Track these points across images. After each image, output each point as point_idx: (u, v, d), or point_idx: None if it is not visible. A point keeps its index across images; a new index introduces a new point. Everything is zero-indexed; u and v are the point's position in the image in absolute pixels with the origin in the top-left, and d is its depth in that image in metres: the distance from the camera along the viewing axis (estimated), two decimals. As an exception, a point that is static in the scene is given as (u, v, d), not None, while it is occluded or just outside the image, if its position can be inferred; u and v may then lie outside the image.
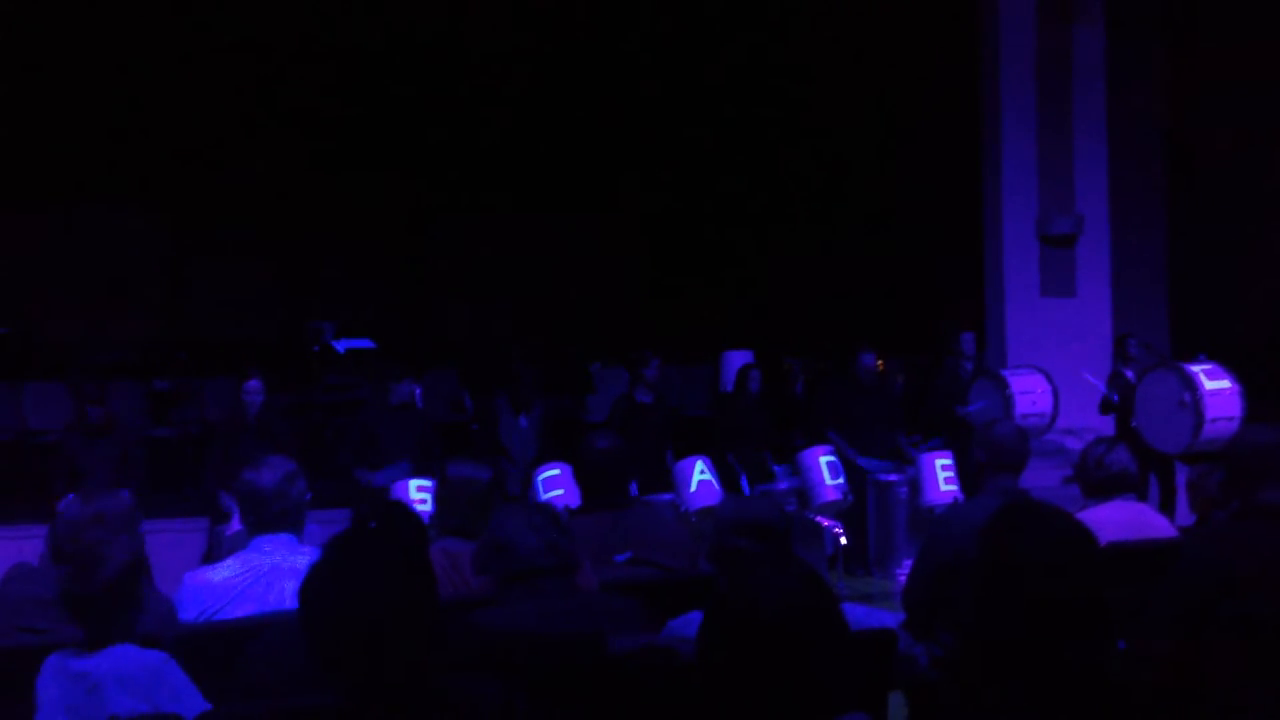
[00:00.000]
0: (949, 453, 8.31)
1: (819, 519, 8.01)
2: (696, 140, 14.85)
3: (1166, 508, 8.75)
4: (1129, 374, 9.26)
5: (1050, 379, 9.34)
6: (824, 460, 8.15)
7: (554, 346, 12.63)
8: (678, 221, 15.08)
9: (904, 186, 13.81)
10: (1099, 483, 4.53)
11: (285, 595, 3.46)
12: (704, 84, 14.66)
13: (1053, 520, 2.06)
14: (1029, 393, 9.24)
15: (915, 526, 8.46)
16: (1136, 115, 11.30)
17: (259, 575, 3.54)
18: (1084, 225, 10.88)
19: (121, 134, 13.01)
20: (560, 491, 6.95)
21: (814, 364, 12.25)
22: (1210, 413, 7.87)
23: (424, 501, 6.59)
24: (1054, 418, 9.30)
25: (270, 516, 3.61)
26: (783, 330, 13.29)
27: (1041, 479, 8.38)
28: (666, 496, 7.96)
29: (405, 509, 3.84)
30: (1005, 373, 9.50)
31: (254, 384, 8.30)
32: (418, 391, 8.81)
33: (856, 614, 3.32)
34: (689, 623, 3.06)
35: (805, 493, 8.17)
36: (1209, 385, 7.96)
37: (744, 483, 8.68)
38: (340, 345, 12.47)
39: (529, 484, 7.41)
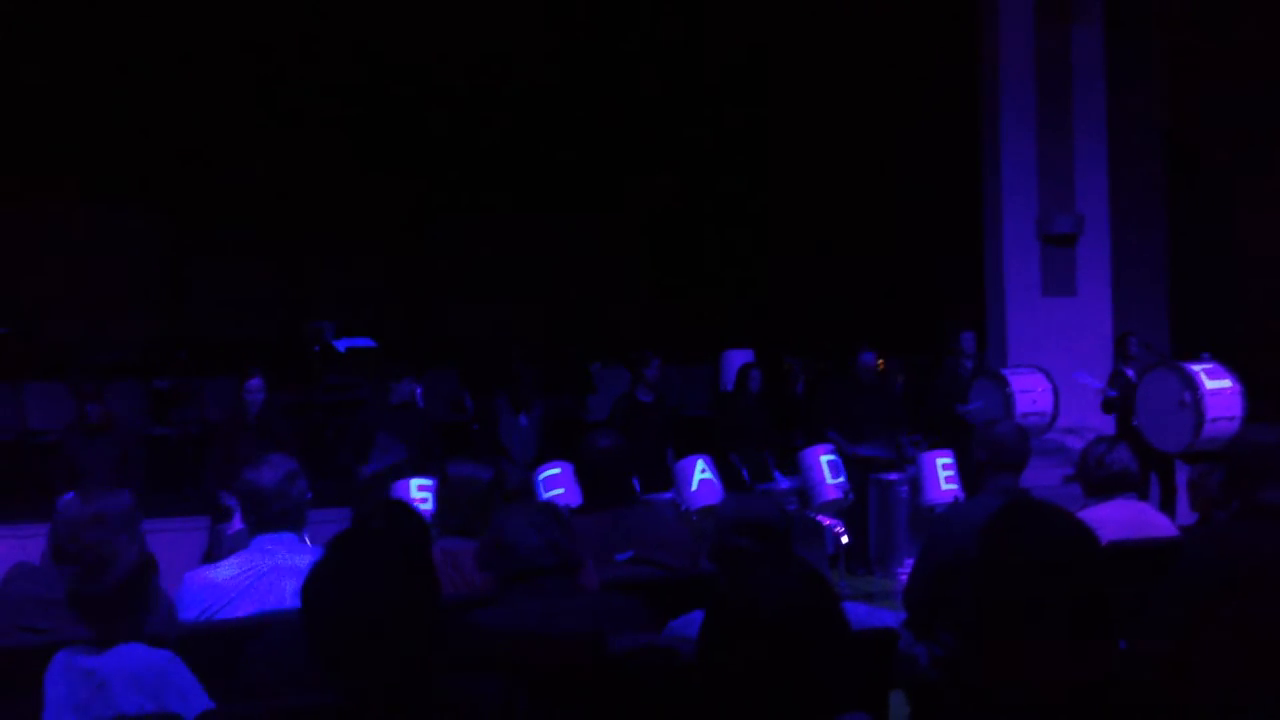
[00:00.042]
0: (950, 452, 8.32)
1: (820, 518, 8.02)
2: (696, 140, 14.85)
3: (1167, 507, 8.75)
4: (1130, 373, 9.26)
5: (1051, 378, 9.35)
6: (825, 459, 8.15)
7: (554, 346, 12.63)
8: (678, 221, 15.08)
9: (904, 186, 13.81)
10: (1100, 482, 4.53)
11: (286, 595, 3.46)
12: (704, 84, 14.66)
13: (1053, 519, 2.06)
14: (1029, 391, 9.24)
15: (916, 525, 8.46)
16: (1136, 115, 11.31)
17: (260, 575, 3.54)
18: (1084, 225, 10.88)
19: (121, 134, 13.01)
20: (561, 491, 6.95)
21: (814, 364, 12.25)
22: (1211, 412, 7.87)
23: (425, 501, 6.59)
24: (1054, 417, 9.30)
25: (271, 516, 3.61)
26: (783, 330, 13.29)
27: (1042, 478, 8.39)
28: (667, 495, 7.96)
29: (408, 508, 3.84)
30: (1006, 372, 9.50)
31: (255, 383, 8.30)
32: (418, 391, 8.81)
33: (857, 613, 3.32)
34: (690, 623, 3.06)
35: (806, 492, 8.18)
36: (1210, 385, 7.96)
37: (745, 476, 8.69)
38: (341, 345, 12.47)
39: (529, 483, 7.42)
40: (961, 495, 7.90)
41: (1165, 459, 8.74)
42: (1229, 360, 8.17)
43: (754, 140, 14.81)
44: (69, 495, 7.30)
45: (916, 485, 8.41)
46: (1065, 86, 10.87)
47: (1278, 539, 3.41)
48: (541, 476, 7.25)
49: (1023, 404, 9.10)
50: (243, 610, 3.48)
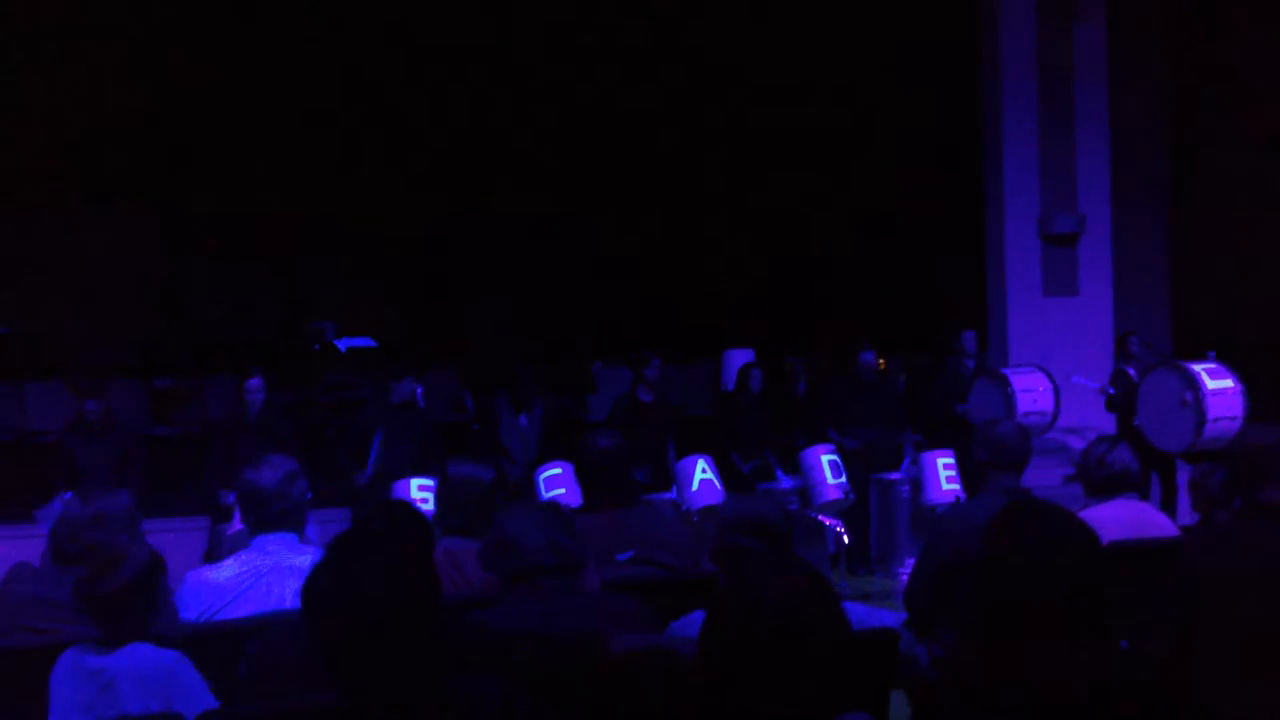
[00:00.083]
0: (951, 451, 8.32)
1: (821, 517, 8.02)
2: (697, 140, 14.85)
3: (1168, 507, 8.75)
4: (1131, 372, 9.26)
5: (1052, 377, 9.34)
6: (826, 459, 8.15)
7: (554, 346, 12.63)
8: (678, 221, 15.08)
9: (904, 186, 13.81)
10: (1101, 481, 4.53)
11: (286, 595, 3.46)
12: (704, 84, 14.66)
13: (1054, 519, 2.05)
14: (1030, 391, 9.23)
15: (917, 525, 8.46)
16: (1138, 114, 11.31)
17: (260, 575, 3.54)
18: (1086, 224, 10.87)
19: (121, 134, 13.02)
20: (561, 491, 6.94)
21: (814, 364, 12.25)
22: (1212, 412, 7.86)
23: (425, 501, 6.58)
24: (1055, 416, 9.29)
25: (271, 516, 3.61)
26: (783, 330, 13.29)
27: (1043, 478, 8.38)
28: (668, 495, 7.96)
29: (411, 509, 3.84)
30: (1007, 371, 9.49)
31: (255, 383, 8.29)
32: (418, 391, 8.81)
33: (858, 613, 3.32)
34: (691, 623, 3.06)
35: (807, 491, 8.17)
36: (1211, 385, 7.95)
37: (747, 474, 8.69)
38: (341, 344, 12.48)
39: (529, 483, 7.41)
40: (962, 495, 7.90)
41: (1166, 459, 8.74)
42: (1230, 360, 8.17)
43: (754, 140, 14.81)
44: (67, 495, 7.31)
45: (917, 485, 8.41)
46: (1067, 86, 10.87)
47: (1278, 539, 3.41)
48: (542, 476, 7.24)
49: (1024, 403, 9.10)
50: (243, 610, 3.48)
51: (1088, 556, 2.00)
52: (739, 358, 11.04)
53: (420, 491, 6.86)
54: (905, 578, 4.57)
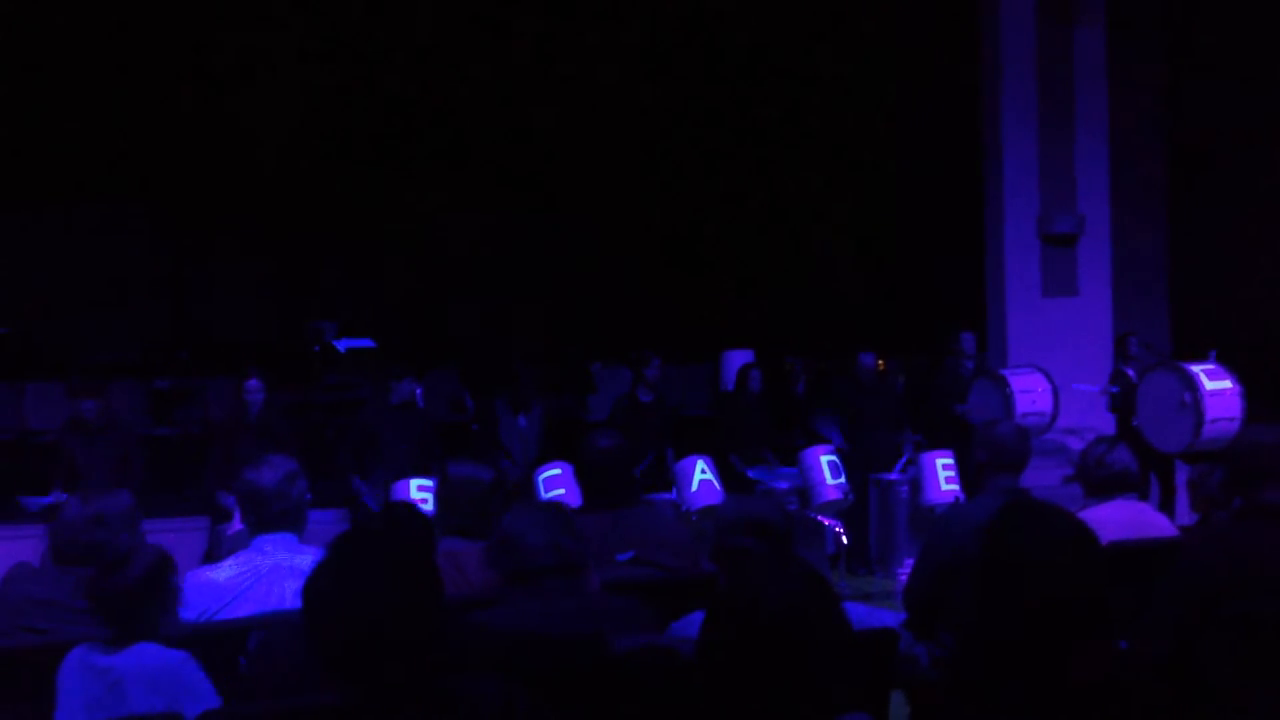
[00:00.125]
0: (950, 452, 8.32)
1: (820, 518, 8.02)
2: (697, 140, 14.85)
3: (1167, 507, 8.75)
4: (1130, 373, 9.26)
5: (1050, 378, 9.34)
6: (825, 459, 8.15)
7: (554, 346, 12.63)
8: (678, 221, 15.08)
9: (904, 186, 13.81)
10: (1100, 482, 4.53)
11: (286, 595, 3.46)
12: (704, 84, 14.66)
13: (1054, 520, 2.06)
14: (1029, 392, 9.23)
15: (916, 525, 8.46)
16: (1137, 115, 11.31)
17: (260, 575, 3.54)
18: (1085, 225, 10.87)
19: (121, 134, 13.01)
20: (561, 491, 6.95)
21: (814, 364, 12.25)
22: (1211, 413, 7.87)
23: (425, 501, 6.58)
24: (1054, 417, 9.30)
25: (271, 516, 3.61)
26: (783, 330, 13.30)
27: (1042, 478, 8.37)
28: (668, 496, 7.96)
29: (412, 509, 3.84)
30: (1005, 372, 9.49)
31: (254, 383, 8.29)
32: (418, 391, 8.81)
33: (858, 613, 3.32)
34: (691, 624, 3.06)
35: (806, 491, 8.17)
36: (1210, 385, 7.95)
37: (749, 474, 8.70)
38: (341, 345, 12.47)
39: (529, 484, 7.41)
40: (962, 495, 7.90)
41: (1165, 459, 8.74)
42: (1229, 360, 8.17)
43: (754, 140, 14.81)
44: (63, 496, 7.28)
45: (917, 485, 8.41)
46: (1066, 86, 10.87)
47: (1278, 539, 3.41)
48: (542, 477, 7.24)
49: (1022, 404, 9.10)
50: (243, 611, 3.48)
51: (1087, 557, 2.01)
52: (738, 358, 11.05)
53: (420, 492, 6.86)
54: (904, 578, 4.57)
